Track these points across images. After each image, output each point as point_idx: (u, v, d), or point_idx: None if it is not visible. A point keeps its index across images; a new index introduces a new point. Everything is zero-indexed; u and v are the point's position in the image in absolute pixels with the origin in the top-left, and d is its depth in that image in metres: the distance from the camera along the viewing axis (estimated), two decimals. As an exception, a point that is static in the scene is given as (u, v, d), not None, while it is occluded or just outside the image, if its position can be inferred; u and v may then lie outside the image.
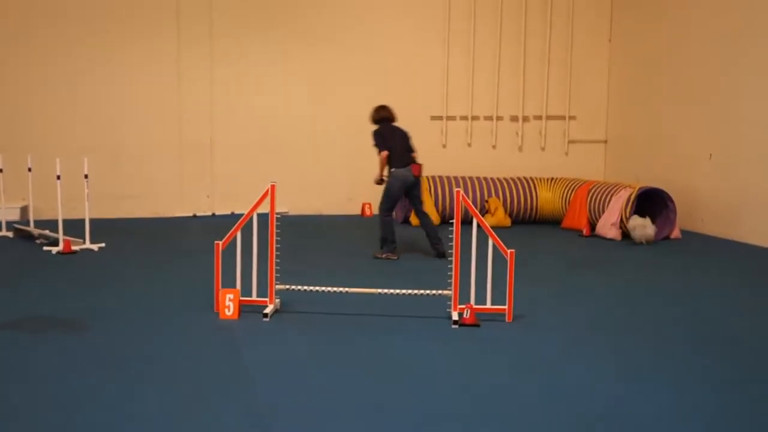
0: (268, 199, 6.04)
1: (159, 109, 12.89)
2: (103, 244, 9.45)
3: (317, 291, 6.32)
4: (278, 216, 6.27)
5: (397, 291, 6.27)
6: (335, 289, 6.32)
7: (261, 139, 13.24)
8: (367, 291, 6.36)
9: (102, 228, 10.38)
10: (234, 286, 6.14)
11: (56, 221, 9.28)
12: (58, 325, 5.72)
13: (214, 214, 13.18)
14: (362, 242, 10.15)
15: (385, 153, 8.89)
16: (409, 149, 9.01)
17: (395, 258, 8.93)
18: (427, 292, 6.25)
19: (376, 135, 9.01)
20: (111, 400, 4.18)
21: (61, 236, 9.16)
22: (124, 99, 12.72)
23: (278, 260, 6.18)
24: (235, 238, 6.12)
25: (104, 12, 12.54)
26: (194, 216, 13.10)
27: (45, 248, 9.27)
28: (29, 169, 10.10)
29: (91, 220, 9.54)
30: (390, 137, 8.95)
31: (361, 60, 13.45)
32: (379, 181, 9.10)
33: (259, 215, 6.14)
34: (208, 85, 13.01)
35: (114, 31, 12.57)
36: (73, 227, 9.62)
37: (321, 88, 13.38)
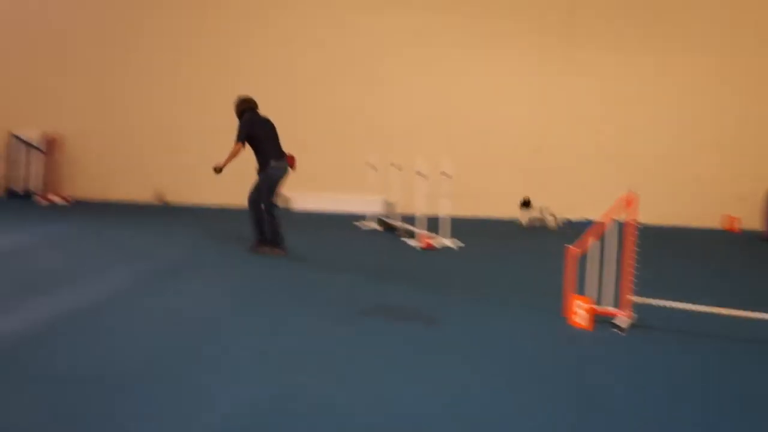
0: (624, 207, 5.59)
1: (516, 118, 12.99)
2: (462, 243, 9.63)
3: (680, 309, 5.68)
4: (638, 226, 5.76)
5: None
6: (702, 308, 5.63)
7: (617, 147, 12.67)
8: (739, 314, 5.55)
9: (462, 227, 10.64)
10: (585, 293, 5.79)
11: (415, 217, 9.73)
12: (409, 315, 5.87)
13: (569, 221, 12.88)
14: (734, 260, 9.09)
15: (240, 145, 8.06)
16: (278, 139, 8.37)
17: (280, 253, 8.23)
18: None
19: (244, 123, 8.15)
20: (451, 393, 4.10)
21: (420, 232, 9.58)
22: (490, 106, 13.03)
23: (634, 271, 5.68)
24: (588, 245, 5.76)
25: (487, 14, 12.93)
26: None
27: (405, 241, 9.78)
28: (394, 165, 10.78)
29: (455, 219, 9.80)
30: (260, 127, 8.24)
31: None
32: (219, 170, 8.11)
33: (615, 223, 5.71)
34: (561, 92, 12.76)
35: (486, 37, 12.91)
36: (436, 224, 9.95)
37: (697, 98, 12.37)
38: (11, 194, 13.47)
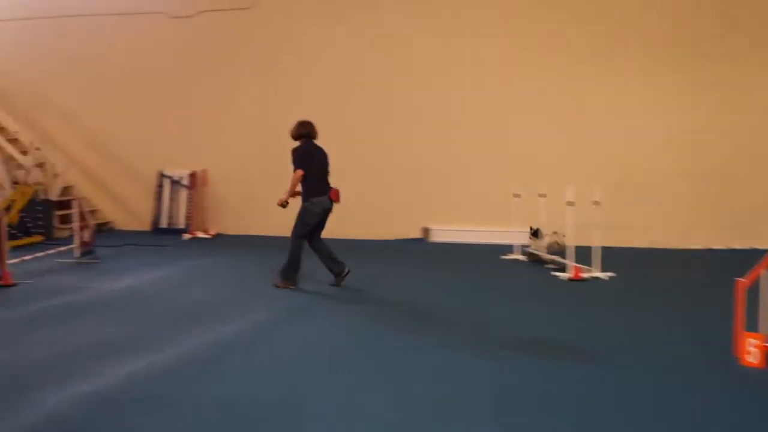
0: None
1: (664, 136, 12.86)
2: (613, 274, 9.71)
3: None
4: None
5: None
6: None
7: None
8: None
9: (611, 257, 10.64)
10: (757, 329, 5.78)
11: (566, 247, 9.87)
12: (565, 352, 6.03)
13: (730, 249, 12.53)
14: None
15: (300, 172, 8.53)
16: (328, 173, 8.77)
17: (294, 287, 8.71)
18: None
19: (298, 153, 8.60)
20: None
21: (570, 263, 9.73)
22: (628, 127, 12.96)
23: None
24: (759, 277, 5.75)
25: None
26: (708, 250, 12.65)
27: (554, 273, 9.94)
28: (541, 195, 10.93)
29: (605, 249, 9.85)
30: (316, 159, 8.66)
31: None
32: (284, 204, 8.65)
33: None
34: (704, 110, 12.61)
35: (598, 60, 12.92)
36: (583, 255, 10.07)
37: None
38: (158, 230, 14.65)
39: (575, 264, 9.66)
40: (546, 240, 10.90)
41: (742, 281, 5.83)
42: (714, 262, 11.48)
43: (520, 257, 11.39)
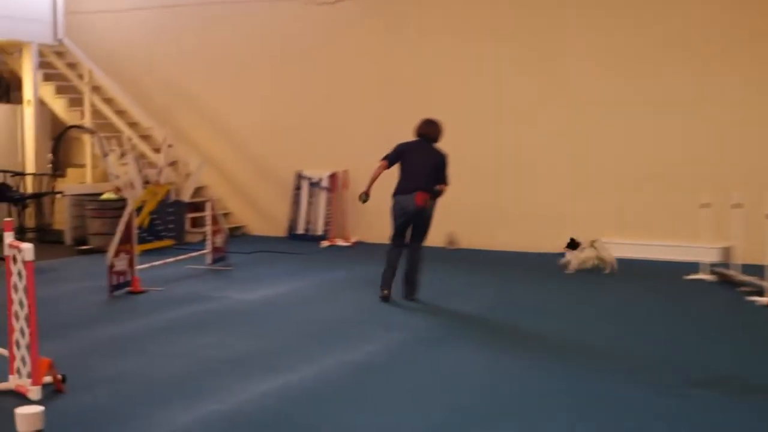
0: None
1: None
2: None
3: None
4: None
5: None
6: None
7: None
8: None
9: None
10: None
11: (764, 267, 9.14)
12: (753, 390, 5.52)
13: None
14: None
15: (384, 162, 8.77)
16: (428, 175, 8.62)
17: (384, 294, 8.83)
18: None
19: (395, 146, 8.89)
20: None
21: (770, 285, 9.00)
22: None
23: None
24: None
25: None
26: None
27: (748, 298, 9.23)
28: (736, 206, 10.19)
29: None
30: (409, 155, 8.72)
31: None
32: (364, 198, 8.92)
33: None
34: None
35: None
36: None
37: None
38: (294, 236, 14.76)
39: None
40: (585, 253, 10.50)
41: None
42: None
43: (707, 277, 10.67)
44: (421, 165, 8.71)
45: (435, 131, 8.91)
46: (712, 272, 10.69)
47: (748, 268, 10.15)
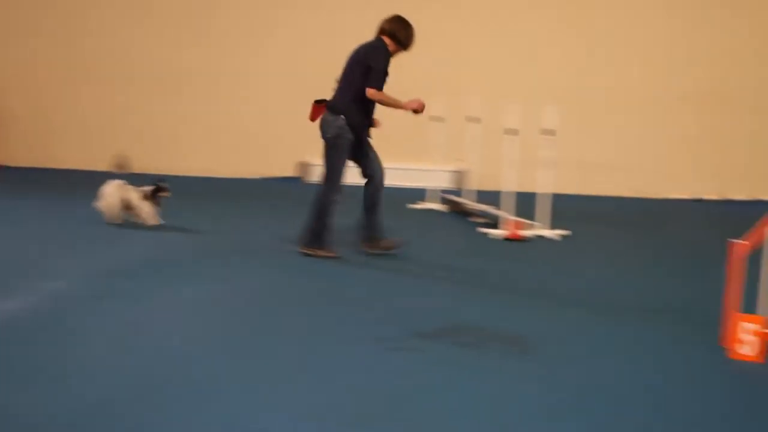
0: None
1: (651, 45, 12.96)
2: (567, 232, 9.73)
3: None
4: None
5: None
6: None
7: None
8: None
9: (567, 208, 10.64)
10: (757, 311, 5.77)
11: (502, 194, 9.83)
12: (492, 340, 5.91)
13: (724, 200, 12.86)
14: None
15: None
16: (342, 82, 8.31)
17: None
18: None
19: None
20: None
21: (507, 216, 9.64)
22: (600, 30, 13.02)
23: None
24: (763, 240, 5.73)
25: None
26: (698, 200, 12.94)
27: (481, 230, 9.84)
28: (471, 119, 10.76)
29: (556, 197, 9.87)
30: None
31: None
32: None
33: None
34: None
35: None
36: (528, 205, 9.97)
37: None
38: None
39: (513, 218, 9.58)
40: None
41: (741, 244, 5.79)
42: (706, 217, 11.69)
43: (437, 206, 11.26)
44: (342, 71, 8.46)
45: (384, 24, 8.48)
46: (443, 201, 11.33)
47: (487, 196, 10.84)
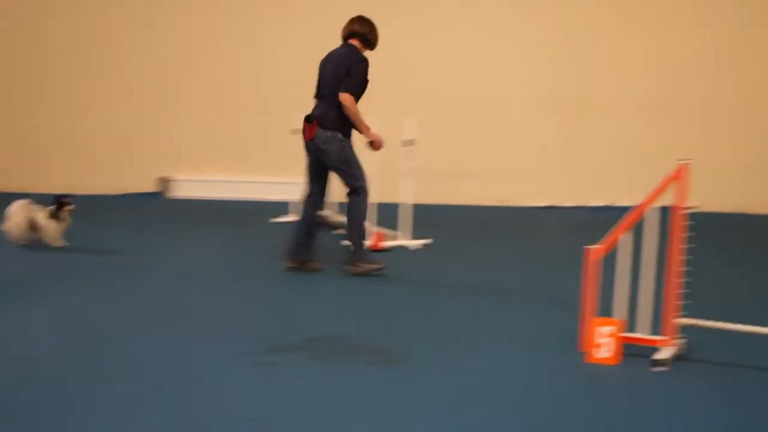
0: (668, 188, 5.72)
1: (504, 57, 13.15)
2: (428, 241, 9.86)
3: (743, 331, 5.84)
4: (688, 212, 5.90)
5: None
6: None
7: (655, 100, 13.00)
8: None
9: (428, 218, 10.74)
10: (613, 314, 5.91)
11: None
12: (356, 351, 5.91)
13: (581, 207, 13.18)
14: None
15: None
16: (325, 94, 8.33)
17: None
18: None
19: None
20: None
21: (368, 227, 9.63)
22: (456, 37, 13.14)
23: (683, 280, 5.82)
24: (616, 244, 5.87)
25: None
26: (551, 207, 13.22)
27: (344, 242, 9.80)
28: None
29: (416, 207, 9.96)
30: (319, 69, 8.51)
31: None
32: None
33: (657, 211, 5.83)
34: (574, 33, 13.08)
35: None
36: (390, 216, 10.08)
37: None
38: None
39: (375, 228, 9.63)
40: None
41: (594, 249, 5.92)
42: (563, 223, 11.94)
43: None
44: (321, 82, 8.46)
45: (354, 27, 8.50)
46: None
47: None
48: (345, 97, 8.11)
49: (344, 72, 8.17)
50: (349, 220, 8.36)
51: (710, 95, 13.19)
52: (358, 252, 8.33)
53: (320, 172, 8.41)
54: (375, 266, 8.30)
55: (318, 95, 8.43)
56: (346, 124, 8.24)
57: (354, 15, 8.48)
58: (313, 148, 8.27)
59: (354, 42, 8.37)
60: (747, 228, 12.06)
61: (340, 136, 8.21)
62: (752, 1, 13.30)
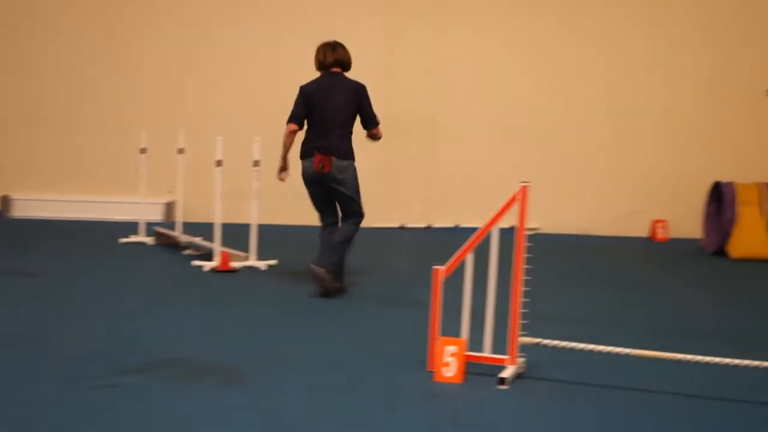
0: (513, 209, 5.88)
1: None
2: (274, 261, 9.85)
3: (583, 350, 6.04)
4: (529, 233, 6.07)
5: (716, 360, 5.84)
6: (611, 349, 6.01)
7: (500, 126, 13.36)
8: (660, 355, 5.98)
9: (275, 238, 10.74)
10: (458, 334, 6.02)
11: (212, 225, 9.80)
12: (203, 372, 5.89)
13: (429, 227, 13.39)
14: (654, 277, 9.98)
15: (291, 126, 8.47)
16: (337, 125, 8.39)
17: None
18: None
19: (300, 92, 8.50)
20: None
21: (217, 247, 9.65)
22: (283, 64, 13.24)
23: (526, 300, 5.98)
24: (462, 264, 5.99)
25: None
26: (401, 228, 13.39)
27: (194, 263, 9.78)
28: (180, 151, 10.73)
29: (262, 228, 9.93)
30: (315, 98, 8.41)
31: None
32: (281, 171, 8.74)
33: (501, 232, 5.98)
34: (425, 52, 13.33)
35: None
36: (237, 236, 10.03)
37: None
38: None
39: (223, 249, 9.59)
40: None
41: (440, 270, 6.03)
42: (407, 243, 12.11)
43: (148, 239, 11.12)
44: (327, 112, 8.34)
45: (345, 55, 8.47)
46: (153, 234, 11.17)
47: (197, 228, 10.83)
48: (378, 130, 8.57)
49: (358, 105, 8.40)
50: (346, 240, 8.48)
51: (549, 123, 13.53)
52: (342, 270, 8.54)
53: (328, 200, 8.53)
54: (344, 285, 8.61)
55: (318, 124, 8.41)
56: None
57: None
58: (324, 179, 8.32)
59: (341, 71, 8.51)
60: (584, 248, 12.42)
61: (354, 164, 8.39)
62: (564, 29, 13.65)
